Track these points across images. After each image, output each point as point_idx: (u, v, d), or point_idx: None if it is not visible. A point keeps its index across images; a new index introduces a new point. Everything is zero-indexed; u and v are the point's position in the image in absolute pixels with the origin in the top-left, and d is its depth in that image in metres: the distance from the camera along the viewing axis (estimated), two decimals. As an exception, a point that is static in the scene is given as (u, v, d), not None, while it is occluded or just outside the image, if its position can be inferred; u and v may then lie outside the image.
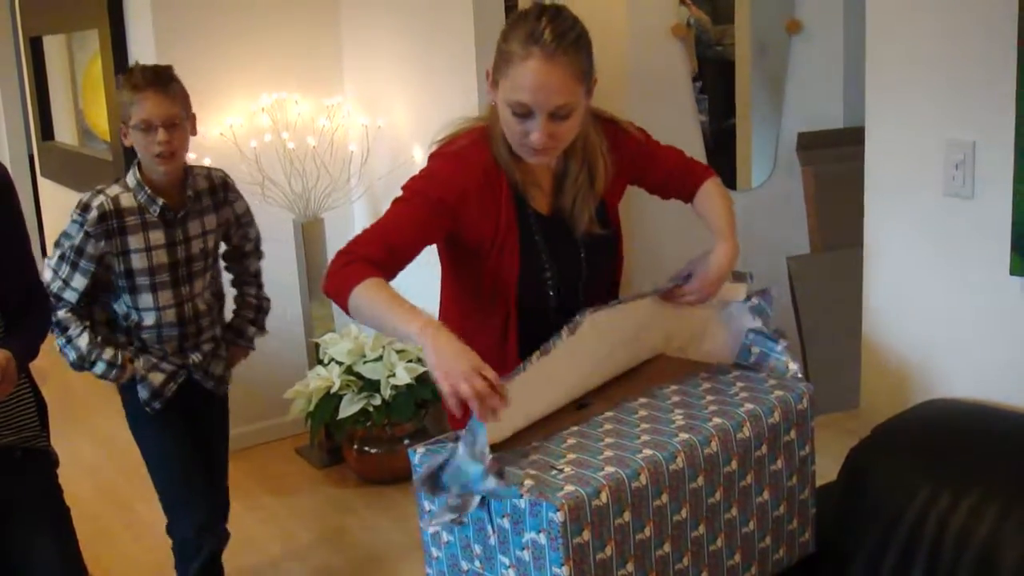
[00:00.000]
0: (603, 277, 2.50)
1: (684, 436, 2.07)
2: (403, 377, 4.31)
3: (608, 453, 2.01)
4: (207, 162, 4.31)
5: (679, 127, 4.98)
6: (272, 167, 4.67)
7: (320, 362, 4.60)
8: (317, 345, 4.71)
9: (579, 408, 2.25)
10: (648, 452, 2.00)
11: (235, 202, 3.26)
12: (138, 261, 3.00)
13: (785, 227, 5.18)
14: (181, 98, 3.00)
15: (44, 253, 6.55)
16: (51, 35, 6.53)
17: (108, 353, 3.02)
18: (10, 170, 2.58)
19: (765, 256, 4.75)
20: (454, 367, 1.91)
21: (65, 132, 6.75)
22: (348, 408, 4.36)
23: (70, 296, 2.96)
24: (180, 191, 3.06)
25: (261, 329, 3.43)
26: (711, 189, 2.56)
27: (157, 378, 3.09)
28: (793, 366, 2.40)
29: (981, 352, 2.49)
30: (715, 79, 5.57)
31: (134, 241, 2.99)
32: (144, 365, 3.09)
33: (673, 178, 2.57)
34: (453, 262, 2.43)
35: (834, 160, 5.15)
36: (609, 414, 2.20)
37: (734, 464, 2.14)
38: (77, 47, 6.29)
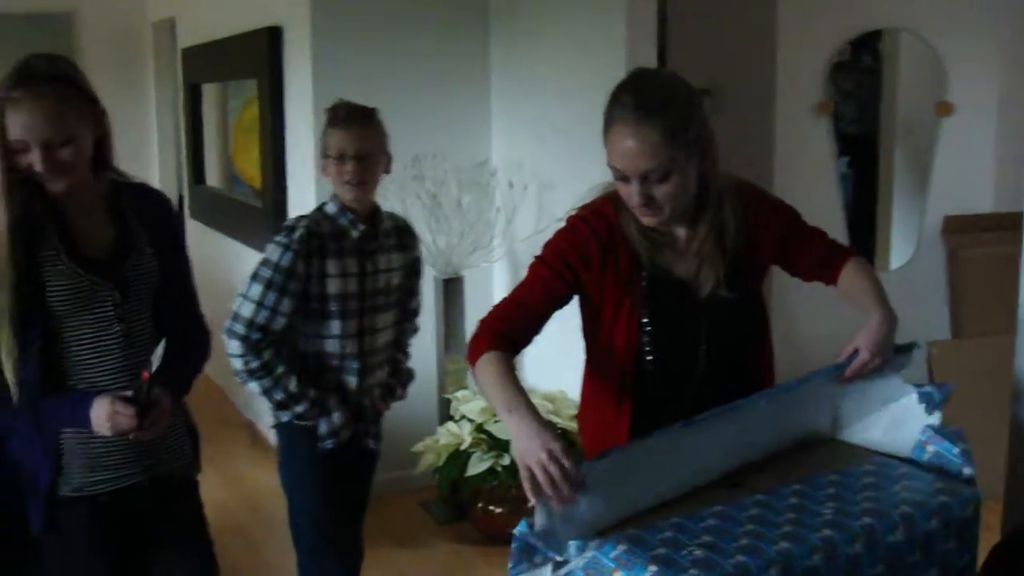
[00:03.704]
0: (730, 348, 2.42)
1: (827, 532, 2.00)
2: (533, 439, 4.31)
3: (744, 541, 1.96)
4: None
5: (821, 203, 4.95)
6: (418, 223, 4.75)
7: (451, 418, 4.63)
8: (449, 401, 4.75)
9: (731, 487, 2.20)
10: (785, 545, 1.95)
11: (413, 249, 3.33)
12: (333, 286, 3.05)
13: (924, 311, 5.09)
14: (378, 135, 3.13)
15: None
16: (209, 83, 6.76)
17: (311, 393, 3.08)
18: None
19: (902, 339, 4.67)
20: (530, 447, 1.98)
21: (214, 176, 6.95)
22: (477, 466, 4.38)
23: (279, 324, 3.00)
24: (374, 223, 3.15)
25: (404, 395, 3.47)
26: (856, 269, 2.45)
27: (339, 416, 3.12)
28: (967, 471, 2.30)
29: None
30: (860, 157, 5.53)
31: (332, 266, 3.05)
32: (334, 402, 3.13)
33: (818, 259, 2.48)
34: (583, 322, 2.45)
35: (982, 245, 5.06)
36: (758, 497, 2.14)
37: (880, 568, 2.05)
38: (231, 95, 6.49)
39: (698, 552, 1.91)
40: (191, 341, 2.61)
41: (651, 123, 2.15)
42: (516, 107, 5.01)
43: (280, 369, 3.03)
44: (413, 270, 3.34)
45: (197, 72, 6.81)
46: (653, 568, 1.87)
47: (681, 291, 2.36)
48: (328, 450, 3.13)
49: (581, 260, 2.33)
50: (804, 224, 2.49)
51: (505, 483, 4.42)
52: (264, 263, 3.02)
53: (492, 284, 5.21)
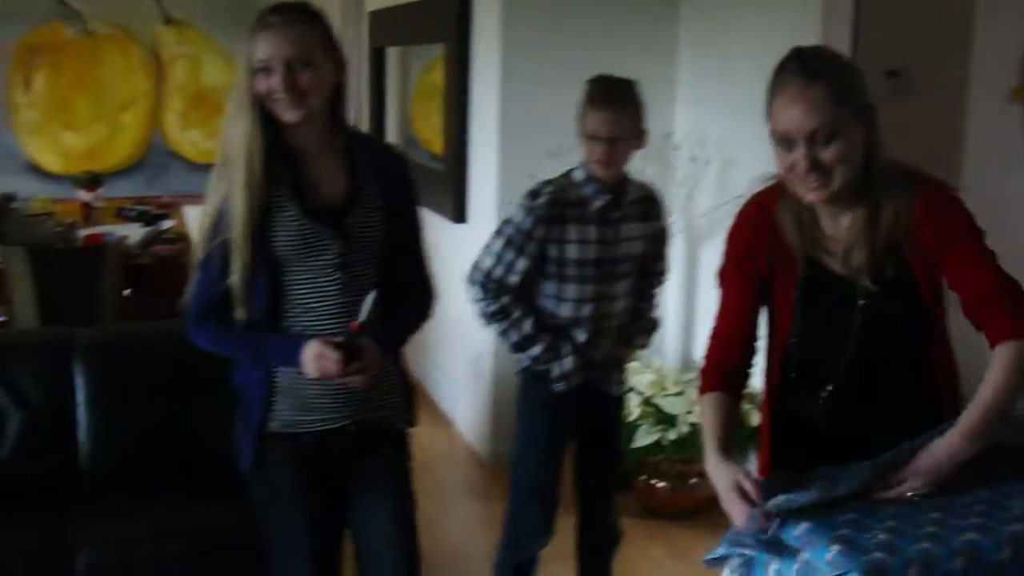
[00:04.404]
0: (883, 342, 2.33)
1: (1018, 527, 1.97)
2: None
3: (930, 528, 1.94)
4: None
5: (1008, 196, 4.77)
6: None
7: (620, 389, 4.65)
8: (618, 372, 4.76)
9: None
10: (972, 536, 1.92)
11: (659, 219, 3.38)
12: (573, 251, 3.17)
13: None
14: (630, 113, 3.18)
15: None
16: (394, 46, 6.86)
17: (547, 338, 3.22)
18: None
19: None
20: (717, 487, 2.16)
21: (392, 138, 7.06)
22: (643, 438, 4.40)
23: (513, 280, 3.18)
24: (619, 194, 3.22)
25: (646, 343, 3.54)
26: (1006, 359, 2.15)
27: (571, 362, 3.23)
28: None
29: None
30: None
31: (573, 231, 3.17)
32: (567, 347, 3.25)
33: (972, 296, 2.22)
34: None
35: None
36: (944, 498, 2.09)
37: None
38: (413, 58, 6.59)
39: (882, 536, 1.91)
40: (412, 299, 2.69)
41: (817, 83, 2.15)
42: (703, 81, 4.99)
43: (517, 312, 3.20)
44: (658, 240, 3.40)
45: (383, 35, 6.92)
46: (836, 547, 1.87)
47: (833, 283, 2.32)
48: (561, 393, 3.26)
49: (750, 258, 2.38)
50: (973, 246, 2.24)
51: (670, 458, 4.43)
52: (508, 221, 3.20)
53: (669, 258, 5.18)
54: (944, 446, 2.13)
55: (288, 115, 2.40)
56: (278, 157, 2.44)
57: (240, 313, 2.46)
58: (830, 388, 2.35)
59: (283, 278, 2.47)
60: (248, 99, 2.39)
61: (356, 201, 2.51)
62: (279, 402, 2.53)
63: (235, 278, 2.43)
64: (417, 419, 2.78)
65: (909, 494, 2.09)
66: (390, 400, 2.65)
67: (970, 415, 2.14)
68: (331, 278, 2.48)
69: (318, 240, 2.46)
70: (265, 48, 2.37)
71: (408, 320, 2.69)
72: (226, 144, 2.44)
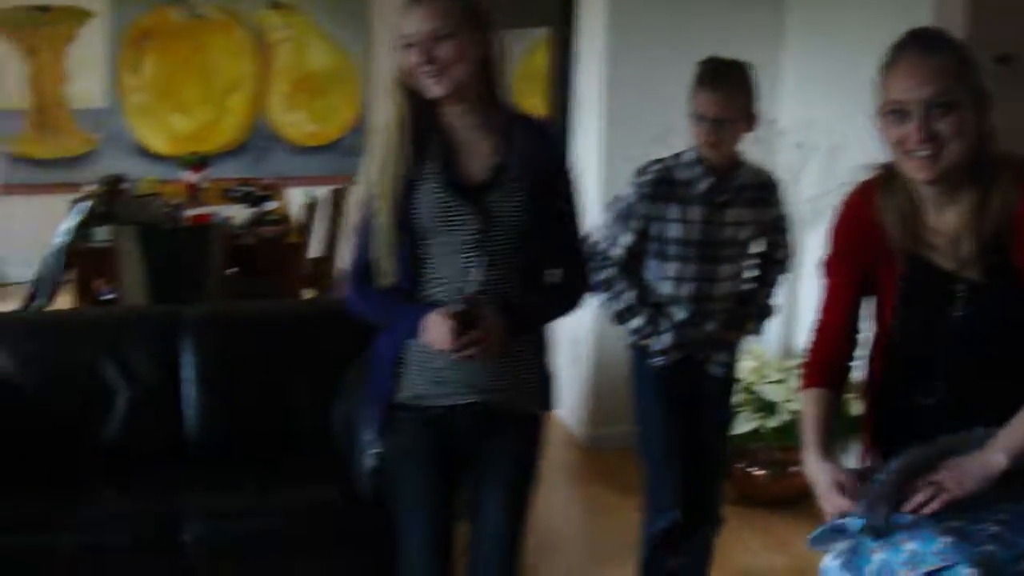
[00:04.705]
0: (984, 340, 2.26)
1: None
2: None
3: None
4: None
5: None
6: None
7: (719, 376, 4.62)
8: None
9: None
10: None
11: (774, 205, 3.37)
12: (674, 230, 3.20)
13: None
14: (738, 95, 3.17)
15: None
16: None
17: (647, 312, 3.26)
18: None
19: None
20: (815, 486, 2.22)
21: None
22: (742, 426, 4.36)
23: (617, 253, 3.25)
24: (728, 178, 3.22)
25: (757, 329, 3.50)
26: None
27: (669, 338, 3.26)
28: None
29: None
30: None
31: (676, 211, 3.20)
32: (665, 324, 3.28)
33: None
34: None
35: None
36: None
37: None
38: (513, 41, 6.58)
39: (994, 528, 1.89)
40: (559, 283, 2.69)
41: (936, 56, 2.12)
42: (809, 67, 4.93)
43: (620, 285, 3.27)
44: (773, 227, 3.40)
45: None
46: (946, 538, 1.85)
47: (934, 276, 2.26)
48: (660, 367, 3.31)
49: (854, 249, 2.36)
50: None
51: (769, 446, 4.40)
52: (616, 197, 3.28)
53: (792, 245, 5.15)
54: (979, 461, 2.06)
55: (433, 89, 2.45)
56: (427, 132, 2.50)
57: (383, 281, 2.54)
58: (931, 381, 2.30)
59: (424, 250, 2.53)
60: (396, 75, 2.47)
61: (500, 179, 2.53)
62: (408, 373, 2.58)
63: (377, 247, 2.52)
64: (552, 404, 2.76)
65: (928, 511, 2.02)
66: (523, 383, 2.65)
67: (1015, 431, 2.09)
68: (469, 253, 2.51)
69: (457, 215, 2.49)
70: (409, 24, 2.43)
71: (549, 302, 2.68)
72: (377, 118, 2.53)
